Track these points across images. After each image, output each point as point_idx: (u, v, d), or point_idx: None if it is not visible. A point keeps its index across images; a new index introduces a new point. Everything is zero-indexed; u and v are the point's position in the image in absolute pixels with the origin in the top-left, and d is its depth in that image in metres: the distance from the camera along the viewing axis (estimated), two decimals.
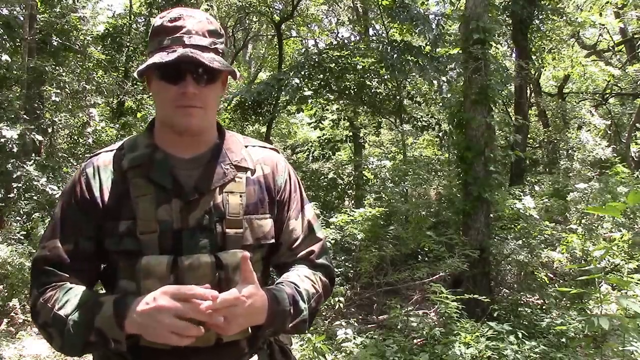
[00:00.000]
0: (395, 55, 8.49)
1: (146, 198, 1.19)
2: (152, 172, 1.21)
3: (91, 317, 1.12)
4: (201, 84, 1.18)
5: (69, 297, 1.16)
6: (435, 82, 9.18)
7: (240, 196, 1.24)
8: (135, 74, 1.26)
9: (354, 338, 4.36)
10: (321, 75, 9.16)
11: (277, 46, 12.92)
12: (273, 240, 1.29)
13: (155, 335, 1.07)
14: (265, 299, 1.16)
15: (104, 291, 1.31)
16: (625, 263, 5.02)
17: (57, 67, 7.93)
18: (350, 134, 11.12)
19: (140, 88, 9.92)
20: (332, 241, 5.87)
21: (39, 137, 6.67)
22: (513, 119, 9.66)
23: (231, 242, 1.20)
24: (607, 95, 14.08)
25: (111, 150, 1.29)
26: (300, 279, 1.29)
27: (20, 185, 6.41)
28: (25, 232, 6.29)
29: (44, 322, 1.17)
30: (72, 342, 1.13)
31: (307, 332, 1.48)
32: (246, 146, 1.34)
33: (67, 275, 1.21)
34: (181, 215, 1.19)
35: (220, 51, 1.22)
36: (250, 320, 1.14)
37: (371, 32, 12.36)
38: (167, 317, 1.05)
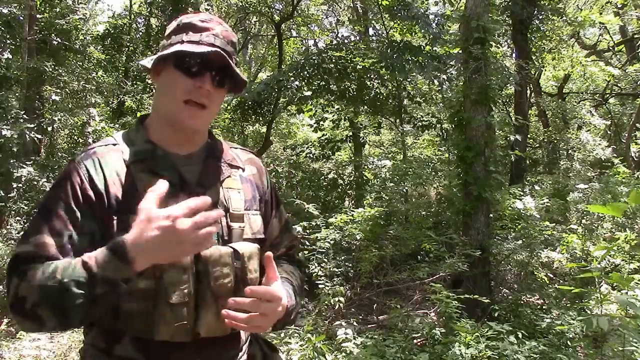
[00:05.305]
0: (395, 55, 8.48)
1: None
2: (157, 166, 1.21)
3: (90, 270, 1.03)
4: (216, 85, 1.22)
5: (55, 266, 1.06)
6: (435, 81, 9.16)
7: (239, 192, 1.30)
8: (143, 63, 1.28)
9: (354, 338, 4.35)
10: (321, 76, 9.15)
11: (277, 46, 12.91)
12: (263, 236, 1.35)
13: (171, 251, 1.04)
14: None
15: None
16: (627, 263, 5.02)
17: (57, 67, 7.93)
18: (351, 134, 11.11)
19: (140, 88, 9.91)
20: (332, 241, 5.85)
21: (38, 136, 6.66)
22: (513, 119, 9.66)
23: (235, 235, 1.25)
24: (607, 95, 14.08)
25: (105, 145, 1.25)
26: (290, 274, 1.37)
27: (20, 185, 6.41)
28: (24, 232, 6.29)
29: (33, 303, 1.05)
30: (76, 302, 1.03)
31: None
32: (230, 148, 1.40)
33: None
34: None
35: (235, 62, 1.28)
36: (278, 317, 1.19)
37: (371, 32, 12.35)
38: (190, 229, 1.02)
